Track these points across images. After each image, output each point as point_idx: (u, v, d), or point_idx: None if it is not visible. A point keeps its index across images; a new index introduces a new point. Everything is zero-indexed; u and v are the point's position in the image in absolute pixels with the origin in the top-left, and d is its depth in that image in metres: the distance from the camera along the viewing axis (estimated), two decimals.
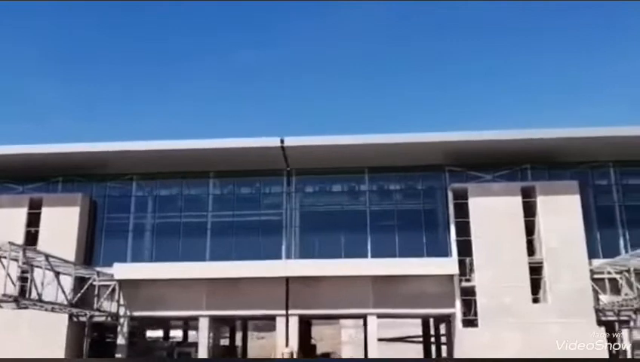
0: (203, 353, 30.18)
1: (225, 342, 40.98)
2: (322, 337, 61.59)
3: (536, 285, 29.54)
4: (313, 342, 44.59)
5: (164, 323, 40.57)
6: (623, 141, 29.91)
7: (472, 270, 29.62)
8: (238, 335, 43.88)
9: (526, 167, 31.90)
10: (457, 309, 29.45)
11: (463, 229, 30.34)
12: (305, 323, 40.77)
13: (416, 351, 43.09)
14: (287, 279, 30.39)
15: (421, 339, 42.80)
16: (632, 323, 29.09)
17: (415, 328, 43.77)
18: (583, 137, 29.81)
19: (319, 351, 48.91)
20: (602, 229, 30.85)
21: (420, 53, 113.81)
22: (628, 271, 28.01)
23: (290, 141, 29.97)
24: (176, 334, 45.70)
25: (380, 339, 44.85)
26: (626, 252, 29.23)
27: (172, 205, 33.06)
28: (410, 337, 45.45)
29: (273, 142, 29.89)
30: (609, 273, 28.57)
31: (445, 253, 30.68)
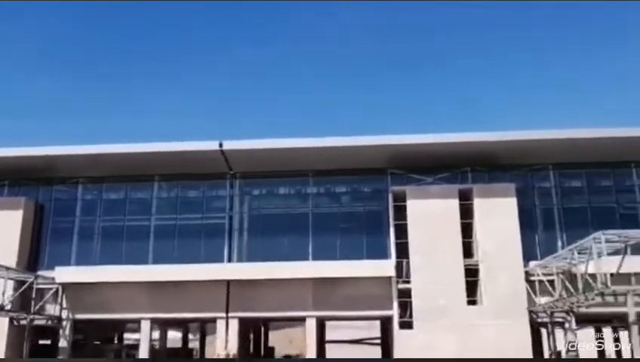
0: (144, 355, 30.40)
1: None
2: (292, 339, 61.73)
3: (473, 287, 29.83)
4: (272, 344, 44.77)
5: (122, 326, 40.72)
6: (561, 144, 30.23)
7: (408, 272, 29.84)
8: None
9: (466, 170, 32.16)
10: (395, 311, 29.71)
11: (403, 231, 30.59)
12: (261, 326, 41.23)
13: (374, 352, 43.26)
14: (228, 282, 30.66)
15: (379, 341, 42.98)
16: (567, 325, 29.37)
17: (375, 330, 44.01)
18: (522, 140, 30.21)
19: (284, 353, 49.03)
20: (541, 231, 31.17)
21: (421, 53, 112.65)
22: (563, 272, 28.31)
23: (229, 145, 30.23)
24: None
25: (336, 341, 45.60)
26: None
27: (117, 208, 33.29)
28: (370, 339, 45.62)
29: (212, 145, 30.16)
30: (544, 275, 28.81)
31: (386, 255, 30.88)
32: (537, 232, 31.12)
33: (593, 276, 23.96)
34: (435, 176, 32.18)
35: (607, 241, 21.42)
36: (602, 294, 21.83)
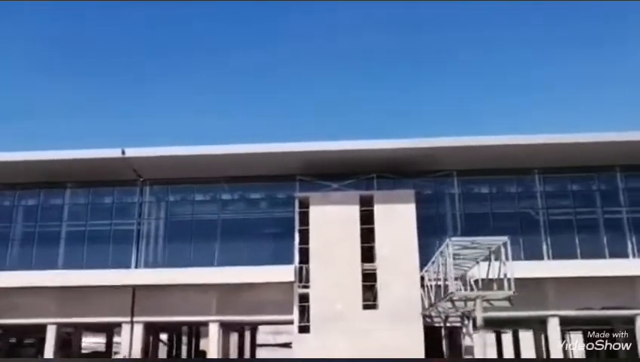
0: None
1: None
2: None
3: (373, 292, 30.26)
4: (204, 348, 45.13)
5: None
6: (463, 151, 30.76)
7: (308, 277, 30.28)
8: None
9: (372, 177, 32.61)
10: (295, 316, 30.12)
11: (306, 237, 31.05)
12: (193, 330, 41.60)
13: None
14: (134, 288, 31.09)
15: None
16: (464, 329, 29.82)
17: None
18: (424, 147, 30.73)
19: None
20: (443, 237, 31.55)
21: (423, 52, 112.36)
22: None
23: (132, 152, 30.72)
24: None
25: (267, 345, 46.02)
26: None
27: (32, 215, 33.73)
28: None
29: (114, 153, 30.63)
30: (436, 279, 29.22)
31: (292, 261, 31.33)
32: (439, 238, 31.52)
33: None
34: (342, 182, 32.66)
35: (465, 248, 21.87)
36: (452, 300, 22.21)
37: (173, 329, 39.75)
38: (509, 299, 21.34)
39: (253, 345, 43.46)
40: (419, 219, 31.17)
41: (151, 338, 35.52)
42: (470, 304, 22.04)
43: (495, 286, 22.25)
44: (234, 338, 39.75)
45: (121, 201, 33.60)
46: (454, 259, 23.13)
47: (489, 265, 22.84)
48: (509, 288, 20.74)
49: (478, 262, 24.50)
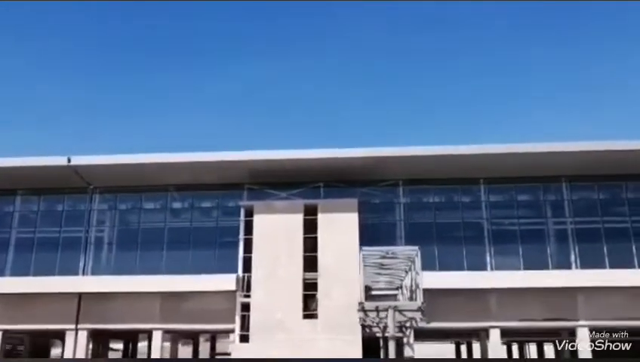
0: None
1: None
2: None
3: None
4: None
5: None
6: (408, 160, 30.88)
7: (250, 286, 30.35)
8: None
9: (319, 185, 32.73)
10: (237, 325, 30.19)
11: (250, 246, 31.14)
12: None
13: None
14: (80, 295, 31.26)
15: None
16: (405, 340, 29.77)
17: None
18: (370, 157, 30.89)
19: None
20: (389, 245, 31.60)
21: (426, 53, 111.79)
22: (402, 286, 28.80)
23: (78, 160, 30.97)
24: None
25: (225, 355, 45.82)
26: None
27: None
28: None
29: (60, 160, 30.87)
30: (377, 289, 29.30)
31: (236, 269, 31.40)
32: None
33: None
34: (290, 191, 32.77)
35: (384, 257, 21.92)
36: (364, 309, 22.26)
37: (127, 336, 39.83)
38: (420, 309, 21.37)
39: (213, 355, 43.39)
40: (367, 228, 31.32)
41: (100, 346, 35.63)
42: (383, 314, 22.06)
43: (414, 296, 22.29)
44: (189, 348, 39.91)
45: (72, 209, 33.81)
46: (383, 268, 23.24)
47: (410, 275, 22.91)
48: (419, 298, 20.76)
49: (407, 272, 24.58)
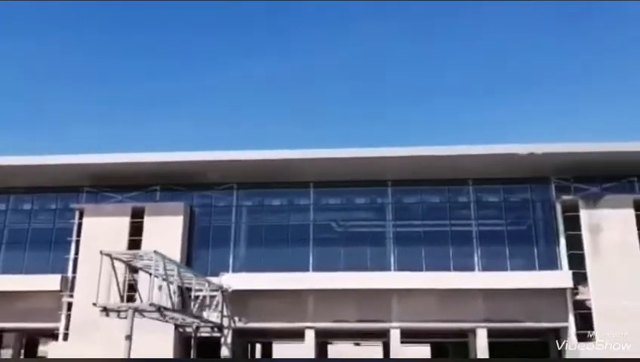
0: None
1: None
2: None
3: None
4: None
5: None
6: (239, 166, 31.63)
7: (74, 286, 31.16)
8: None
9: (155, 189, 33.48)
10: (62, 323, 31.03)
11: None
12: None
13: None
14: None
15: None
16: (222, 339, 30.56)
17: None
18: (198, 161, 31.52)
19: None
20: (213, 249, 32.35)
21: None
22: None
23: None
24: None
25: None
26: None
27: None
28: None
29: None
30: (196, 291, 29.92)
31: (67, 270, 32.15)
32: (210, 250, 32.36)
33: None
34: (127, 194, 33.54)
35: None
36: (105, 309, 23.04)
37: None
38: (159, 309, 22.17)
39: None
40: (202, 231, 32.15)
41: None
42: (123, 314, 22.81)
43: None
44: None
45: None
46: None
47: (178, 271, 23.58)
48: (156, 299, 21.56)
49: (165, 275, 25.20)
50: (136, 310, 22.12)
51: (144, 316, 23.45)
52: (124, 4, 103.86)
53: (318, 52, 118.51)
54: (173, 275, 24.81)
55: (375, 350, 42.37)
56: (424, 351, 43.87)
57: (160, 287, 23.81)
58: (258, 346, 43.73)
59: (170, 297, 24.83)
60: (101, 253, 22.24)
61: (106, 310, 22.70)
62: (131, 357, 28.04)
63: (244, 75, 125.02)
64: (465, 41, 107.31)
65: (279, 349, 43.80)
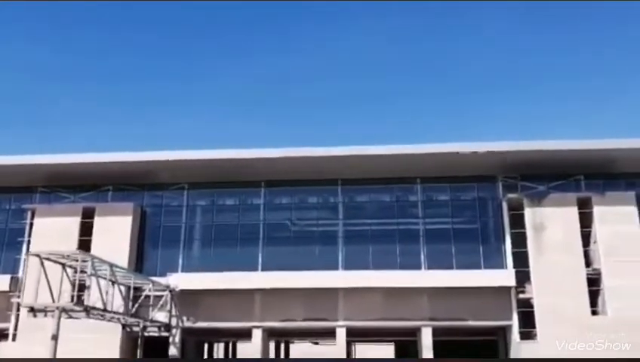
0: None
1: None
2: None
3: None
4: None
5: None
6: (192, 165, 31.77)
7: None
8: None
9: (108, 189, 33.60)
10: (11, 324, 31.16)
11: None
12: None
13: None
14: None
15: None
16: (171, 339, 30.65)
17: None
18: (149, 161, 31.65)
19: None
20: (163, 249, 32.48)
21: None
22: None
23: None
24: None
25: None
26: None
27: None
28: None
29: None
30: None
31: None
32: (159, 250, 32.49)
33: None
34: (80, 194, 33.66)
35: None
36: (32, 309, 23.16)
37: None
38: (86, 309, 22.33)
39: None
40: (153, 231, 32.29)
41: None
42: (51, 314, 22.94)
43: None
44: None
45: None
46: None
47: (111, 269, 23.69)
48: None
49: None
50: (63, 310, 22.14)
51: (71, 316, 23.47)
52: (124, 4, 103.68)
53: (316, 51, 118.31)
54: (106, 276, 24.88)
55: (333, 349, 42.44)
56: (388, 350, 44.06)
57: (100, 288, 24.03)
58: (221, 345, 43.87)
59: (106, 297, 24.93)
60: (28, 252, 22.16)
61: (33, 310, 22.67)
62: (77, 357, 28.65)
63: (243, 74, 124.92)
64: (464, 41, 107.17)
65: (244, 348, 43.84)
